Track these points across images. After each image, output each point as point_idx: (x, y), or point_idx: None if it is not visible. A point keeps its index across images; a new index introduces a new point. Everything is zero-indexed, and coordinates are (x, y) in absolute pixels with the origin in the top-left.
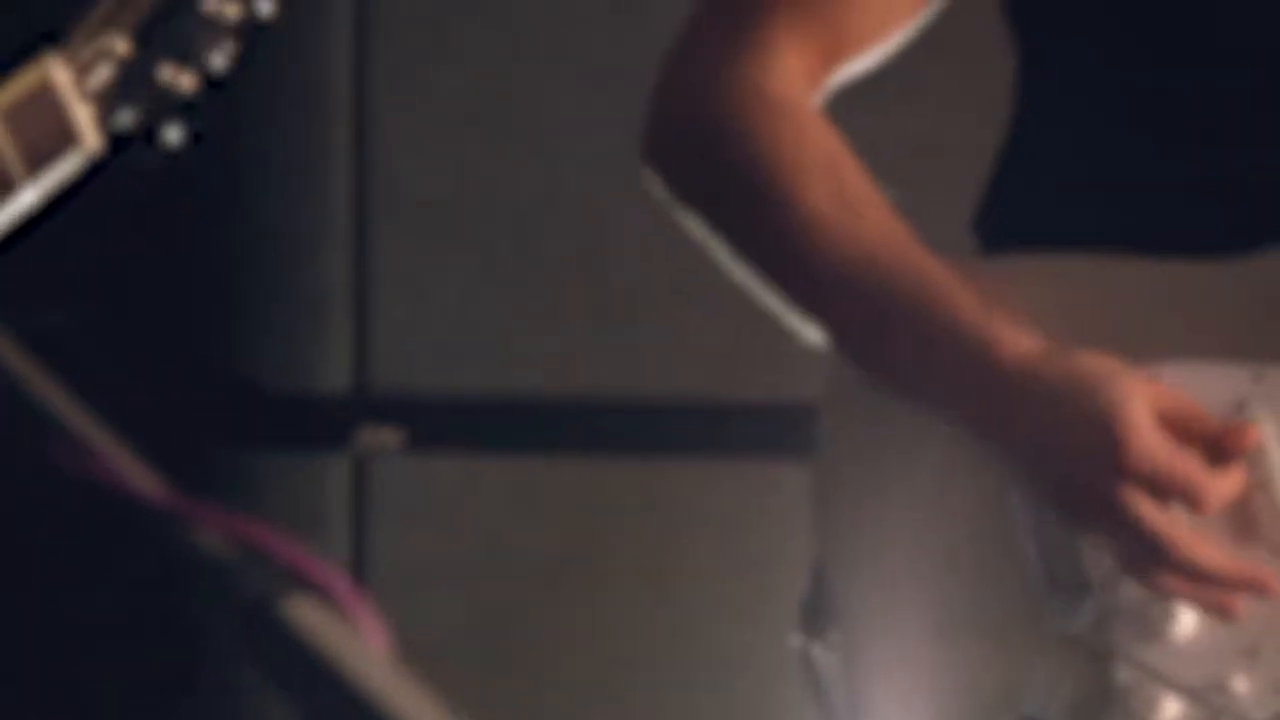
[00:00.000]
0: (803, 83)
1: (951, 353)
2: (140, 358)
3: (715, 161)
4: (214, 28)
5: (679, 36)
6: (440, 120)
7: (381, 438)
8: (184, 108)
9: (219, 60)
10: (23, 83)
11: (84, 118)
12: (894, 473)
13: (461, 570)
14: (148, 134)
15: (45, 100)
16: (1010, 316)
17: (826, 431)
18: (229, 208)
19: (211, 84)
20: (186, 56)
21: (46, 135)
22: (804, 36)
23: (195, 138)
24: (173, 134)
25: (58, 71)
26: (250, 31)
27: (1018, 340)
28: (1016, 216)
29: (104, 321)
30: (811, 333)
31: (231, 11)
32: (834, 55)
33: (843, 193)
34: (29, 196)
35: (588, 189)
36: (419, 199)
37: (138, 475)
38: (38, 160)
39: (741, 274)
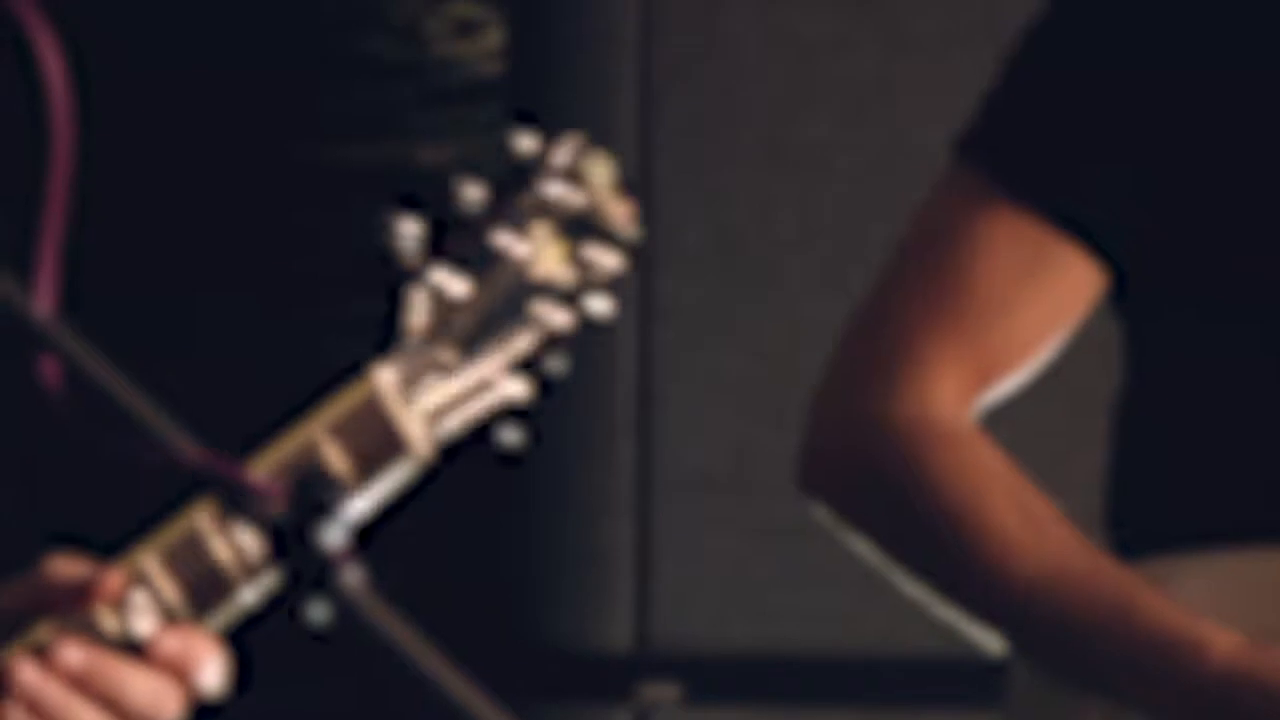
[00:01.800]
0: (959, 405)
1: (1158, 658)
2: (435, 614)
3: (891, 493)
4: (543, 342)
5: (830, 365)
6: (718, 398)
7: (661, 692)
8: (512, 408)
9: (557, 365)
10: (352, 396)
11: (414, 427)
12: None
13: None
14: (479, 437)
15: (373, 411)
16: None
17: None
18: (524, 472)
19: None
20: (516, 365)
21: (376, 444)
22: (957, 360)
23: (536, 439)
24: (510, 435)
25: (384, 385)
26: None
27: (1224, 640)
28: (1154, 515)
29: (402, 583)
30: (993, 640)
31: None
32: (987, 376)
33: (1024, 510)
34: (361, 504)
35: None
36: (697, 468)
37: None
38: (369, 469)
39: (917, 590)
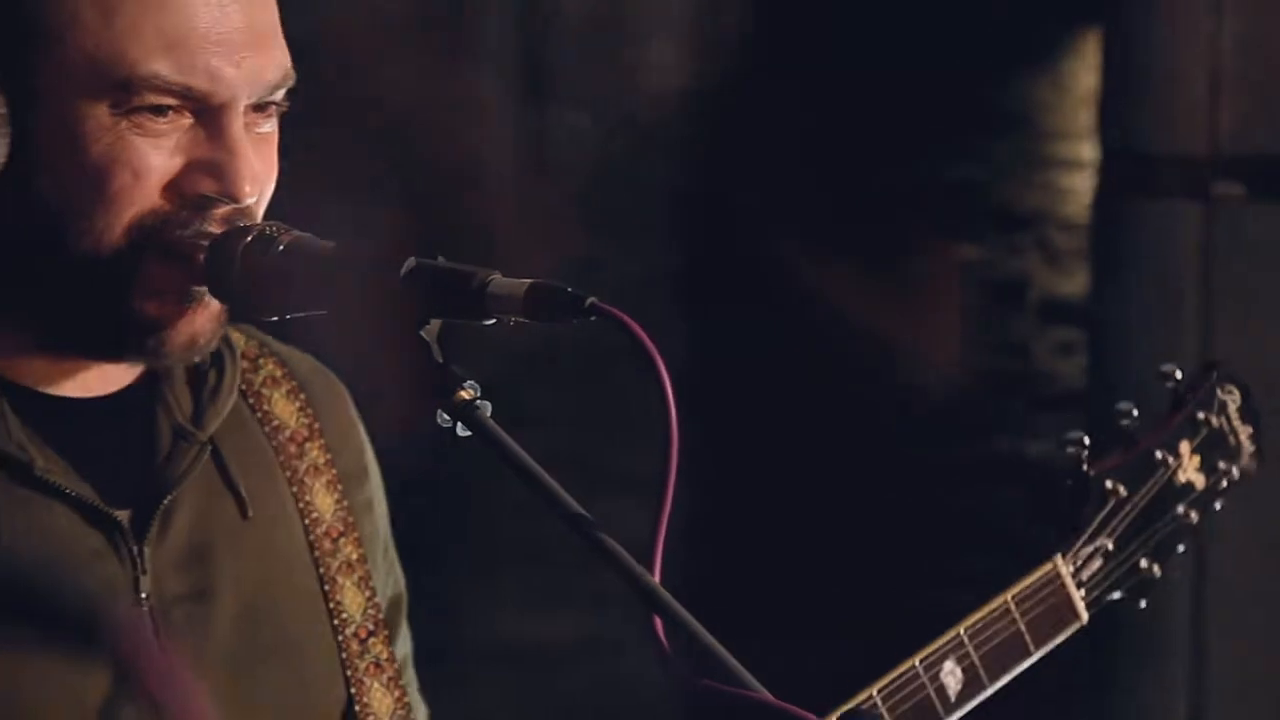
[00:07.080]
0: None
1: None
2: None
3: None
4: (1181, 535)
5: None
6: (1265, 644)
7: None
8: (1148, 585)
9: (1180, 548)
10: (1036, 575)
11: (1079, 600)
12: None
13: None
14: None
15: (1053, 587)
16: None
17: None
18: (1092, 678)
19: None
20: (1157, 552)
21: (1053, 614)
22: None
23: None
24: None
25: (1062, 566)
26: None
27: None
28: None
29: None
30: None
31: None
32: None
33: None
34: (1026, 663)
35: None
36: (1245, 685)
37: None
38: (1044, 633)
39: None
